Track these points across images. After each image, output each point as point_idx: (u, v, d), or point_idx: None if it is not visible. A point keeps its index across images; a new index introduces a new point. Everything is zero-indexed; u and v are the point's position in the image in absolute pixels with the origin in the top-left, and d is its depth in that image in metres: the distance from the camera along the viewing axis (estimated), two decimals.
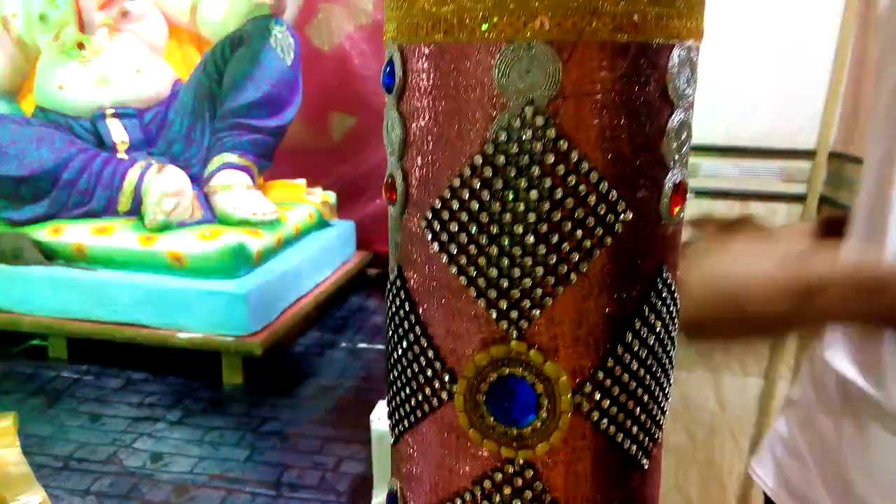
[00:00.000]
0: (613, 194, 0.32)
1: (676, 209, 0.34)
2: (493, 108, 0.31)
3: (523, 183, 0.31)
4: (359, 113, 3.26)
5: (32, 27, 2.76)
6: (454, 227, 0.33)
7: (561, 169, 0.31)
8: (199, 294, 2.14)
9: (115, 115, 2.69)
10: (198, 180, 2.57)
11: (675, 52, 0.32)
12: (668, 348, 0.36)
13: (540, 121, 0.30)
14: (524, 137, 0.31)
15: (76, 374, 2.17)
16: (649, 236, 0.34)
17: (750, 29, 1.68)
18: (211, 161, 2.60)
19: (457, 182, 0.33)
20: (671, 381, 0.37)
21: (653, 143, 0.32)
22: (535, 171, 0.31)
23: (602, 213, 0.32)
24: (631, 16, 0.30)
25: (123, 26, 2.77)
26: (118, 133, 2.69)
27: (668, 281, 0.35)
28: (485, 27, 0.30)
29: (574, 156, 0.31)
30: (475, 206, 0.32)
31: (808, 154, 1.76)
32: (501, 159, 0.31)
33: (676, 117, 0.33)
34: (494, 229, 0.32)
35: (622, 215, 0.32)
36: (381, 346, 2.45)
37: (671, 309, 0.36)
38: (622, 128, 0.31)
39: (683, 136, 0.34)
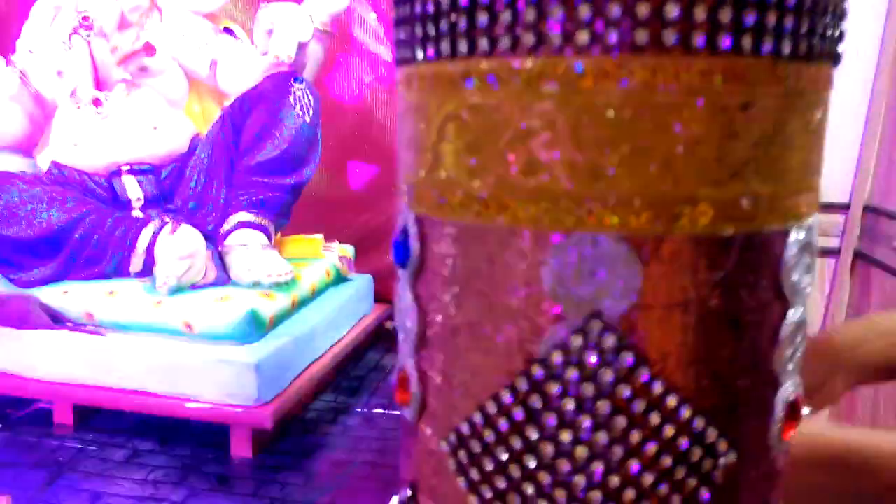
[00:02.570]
0: (711, 433, 0.23)
1: (789, 434, 0.25)
2: (542, 317, 0.23)
3: (586, 421, 0.22)
4: (379, 162, 3.23)
5: (49, 82, 2.74)
6: (488, 464, 0.24)
7: (640, 405, 0.22)
8: (209, 362, 2.06)
9: (130, 172, 2.65)
10: (213, 238, 2.51)
11: (793, 238, 0.23)
12: None
13: (610, 340, 0.22)
14: (588, 361, 0.22)
15: (80, 444, 2.08)
16: (754, 477, 0.25)
17: None
18: (226, 219, 2.54)
19: (492, 407, 0.24)
20: None
21: (762, 358, 0.24)
22: (603, 406, 0.22)
23: (696, 459, 0.23)
24: (738, 200, 0.21)
25: (141, 81, 2.74)
26: (133, 190, 2.65)
27: None
28: (532, 211, 0.22)
29: (658, 387, 0.22)
30: (516, 442, 0.23)
31: (843, 207, 1.70)
32: (555, 388, 0.23)
33: (792, 319, 0.24)
34: (544, 478, 0.23)
35: (722, 459, 0.23)
36: (397, 413, 2.33)
37: None
38: (723, 344, 0.23)
39: (798, 341, 0.25)
